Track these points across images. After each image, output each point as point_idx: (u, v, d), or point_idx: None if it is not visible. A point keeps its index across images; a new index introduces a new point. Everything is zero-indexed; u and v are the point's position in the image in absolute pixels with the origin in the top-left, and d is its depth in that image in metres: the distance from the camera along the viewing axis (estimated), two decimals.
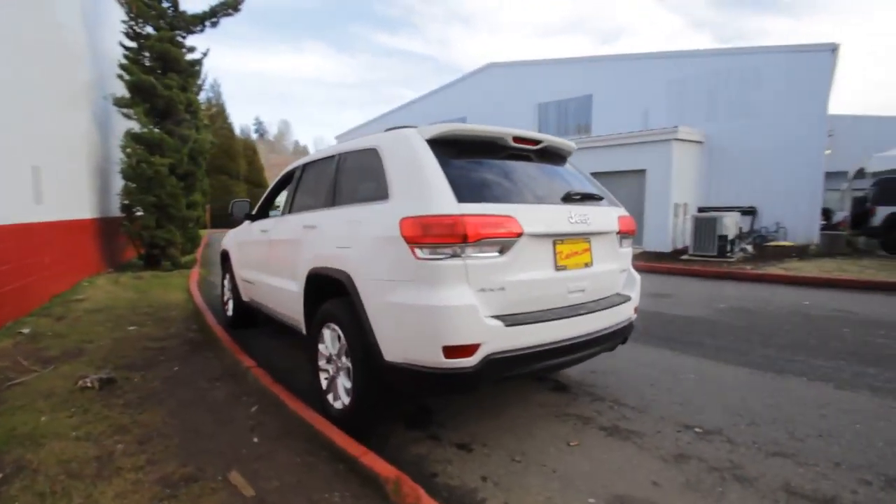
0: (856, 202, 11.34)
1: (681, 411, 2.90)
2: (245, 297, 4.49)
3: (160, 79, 7.78)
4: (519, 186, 2.40)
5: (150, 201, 7.73)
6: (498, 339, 2.06)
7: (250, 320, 4.85)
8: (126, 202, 7.90)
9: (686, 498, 2.01)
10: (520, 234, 2.15)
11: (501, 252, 2.12)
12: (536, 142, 2.65)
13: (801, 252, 10.78)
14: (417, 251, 2.05)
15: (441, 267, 2.02)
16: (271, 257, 3.54)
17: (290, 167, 3.89)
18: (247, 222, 4.44)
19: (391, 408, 2.60)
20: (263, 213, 4.31)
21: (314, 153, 3.49)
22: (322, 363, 2.75)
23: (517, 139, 2.56)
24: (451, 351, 1.99)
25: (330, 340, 2.65)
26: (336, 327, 2.53)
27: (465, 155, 2.37)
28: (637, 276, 2.92)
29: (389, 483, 1.87)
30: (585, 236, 2.49)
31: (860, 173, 14.76)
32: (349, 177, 2.80)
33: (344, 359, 2.53)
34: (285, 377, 3.25)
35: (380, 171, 2.46)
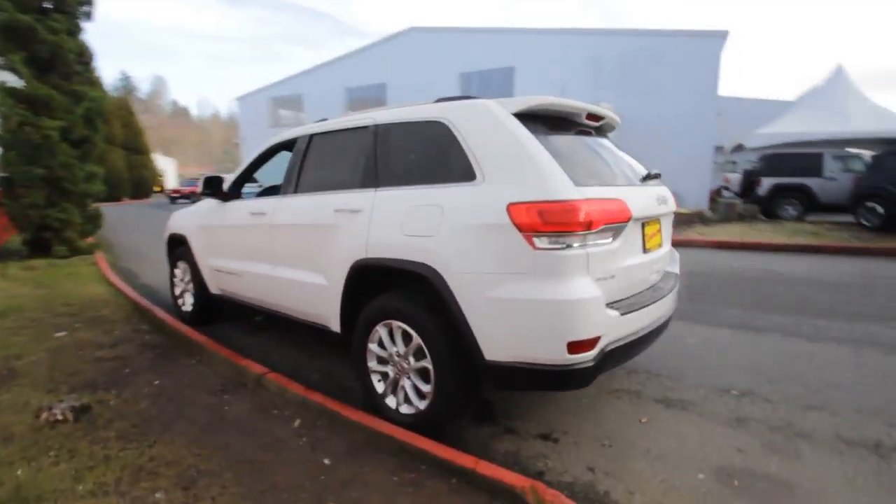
0: (745, 174, 13.06)
1: (708, 375, 3.11)
2: (215, 290, 3.85)
3: (42, 20, 6.14)
4: (602, 166, 2.28)
5: (37, 174, 6.23)
6: (614, 330, 1.97)
7: (214, 315, 4.21)
8: (5, 175, 6.28)
9: (774, 460, 2.16)
10: (629, 219, 2.06)
11: (614, 238, 2.01)
12: (599, 118, 2.54)
13: (702, 218, 12.23)
14: (536, 240, 1.85)
15: (564, 257, 1.85)
16: (276, 245, 3.03)
17: (283, 136, 3.32)
18: (214, 202, 3.76)
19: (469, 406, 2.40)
20: (237, 192, 3.69)
21: (325, 122, 3.00)
22: (373, 364, 2.45)
23: (590, 115, 2.43)
24: (575, 346, 1.86)
25: (388, 340, 2.36)
26: (403, 325, 2.24)
27: (543, 131, 2.17)
28: (677, 253, 3.01)
29: (528, 493, 1.73)
30: (659, 217, 2.47)
31: (738, 148, 17.02)
32: (398, 152, 2.44)
33: (413, 359, 2.27)
34: (298, 380, 2.86)
35: (455, 148, 2.17)
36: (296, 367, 3.30)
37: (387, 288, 2.44)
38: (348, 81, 23.43)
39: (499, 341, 1.96)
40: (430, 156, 2.31)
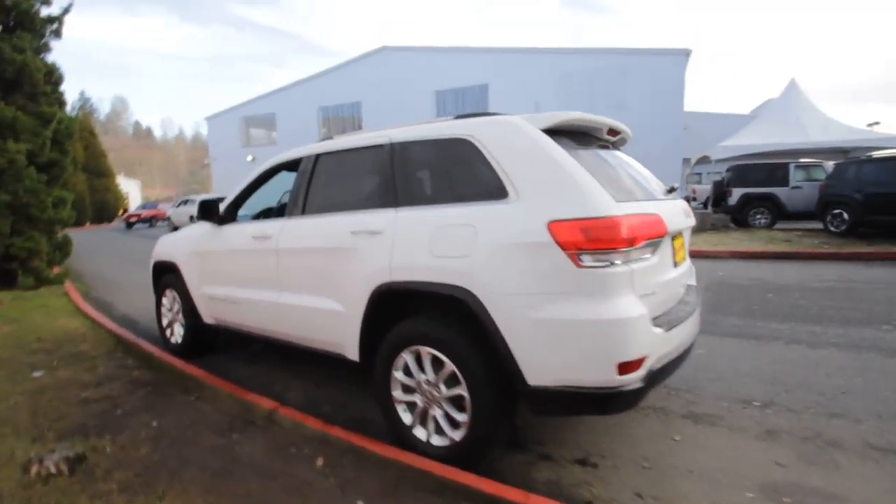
0: (715, 185, 13.57)
1: (725, 387, 3.11)
2: (209, 319, 3.63)
3: (6, 38, 5.81)
4: (629, 180, 2.26)
5: (2, 200, 5.82)
6: (658, 348, 1.92)
7: (207, 346, 3.97)
8: None
9: (814, 473, 2.14)
10: (666, 233, 2.03)
11: (653, 253, 1.98)
12: (617, 132, 2.54)
13: None
14: (579, 259, 1.80)
15: (609, 275, 1.80)
16: (282, 270, 2.87)
17: (284, 156, 3.19)
18: (207, 225, 3.57)
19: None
20: (233, 215, 3.51)
21: (331, 141, 2.89)
22: (398, 393, 2.33)
23: (610, 130, 2.43)
24: (624, 367, 1.80)
25: (415, 367, 2.24)
26: (433, 351, 2.14)
27: (570, 146, 2.14)
28: (693, 266, 3.02)
29: None
30: (683, 230, 2.47)
31: (703, 160, 17.73)
32: (419, 171, 2.36)
33: (444, 387, 2.16)
34: (308, 414, 2.69)
35: (482, 166, 2.11)
36: (303, 398, 3.12)
37: (409, 313, 2.33)
38: (322, 100, 23.32)
39: (543, 365, 1.88)
40: (455, 174, 2.24)
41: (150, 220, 25.42)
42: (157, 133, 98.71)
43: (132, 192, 41.08)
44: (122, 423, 2.75)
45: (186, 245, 3.74)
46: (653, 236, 1.93)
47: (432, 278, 2.10)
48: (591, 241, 1.79)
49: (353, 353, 2.54)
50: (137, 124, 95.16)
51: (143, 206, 28.32)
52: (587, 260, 1.80)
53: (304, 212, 2.86)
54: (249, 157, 25.52)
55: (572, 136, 2.25)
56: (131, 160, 66.33)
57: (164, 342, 4.13)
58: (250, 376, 3.53)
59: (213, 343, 4.02)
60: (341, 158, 2.79)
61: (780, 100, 17.84)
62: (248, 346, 4.19)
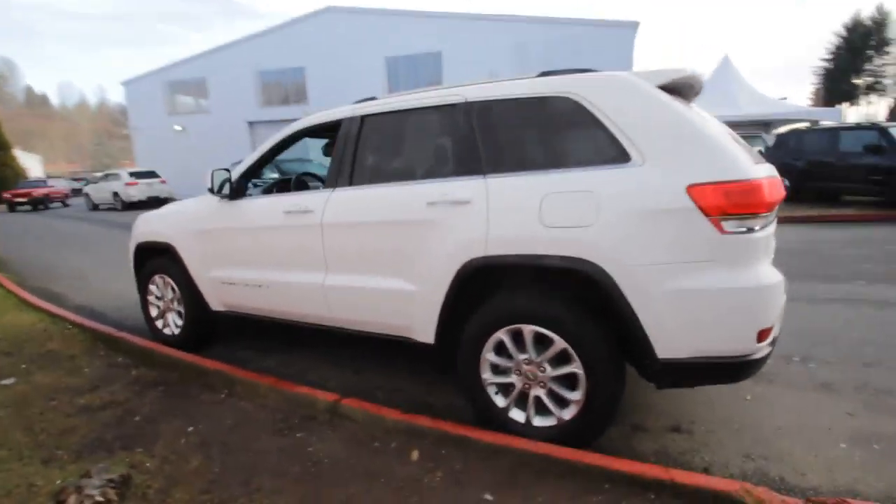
0: None
1: None
2: (218, 306, 3.21)
3: None
4: (737, 140, 2.17)
5: None
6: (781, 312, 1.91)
7: (209, 336, 3.55)
8: None
9: (883, 419, 2.27)
10: (785, 197, 1.99)
11: (776, 218, 1.93)
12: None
13: None
14: (723, 224, 1.70)
15: (751, 241, 1.73)
16: (330, 248, 2.54)
17: (313, 119, 2.79)
18: (212, 200, 3.10)
19: None
20: (245, 189, 3.07)
21: (379, 101, 2.55)
22: (489, 375, 2.16)
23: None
24: (763, 334, 1.76)
25: (512, 346, 2.08)
26: (539, 329, 1.98)
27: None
28: None
29: (745, 497, 1.60)
30: None
31: None
32: (508, 134, 2.13)
33: (549, 366, 2.02)
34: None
35: (593, 127, 1.93)
36: (347, 388, 2.86)
37: (498, 289, 2.15)
38: (261, 64, 21.48)
39: (677, 337, 1.79)
40: (556, 136, 2.04)
41: (43, 202, 20.55)
42: (55, 100, 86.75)
43: (34, 168, 36.11)
44: (150, 432, 2.36)
45: (186, 223, 3.23)
46: (780, 200, 1.87)
47: (544, 251, 1.92)
48: (736, 206, 1.69)
49: (425, 335, 2.32)
50: (30, 90, 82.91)
51: (30, 183, 21.96)
52: (730, 225, 1.71)
53: (352, 182, 2.53)
54: (178, 127, 23.12)
55: (673, 92, 2.12)
56: (26, 131, 57.91)
57: (153, 334, 3.62)
58: (275, 367, 3.19)
59: (214, 332, 3.60)
60: (397, 120, 2.48)
61: (716, 74, 18.96)
62: (256, 334, 3.79)
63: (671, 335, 1.79)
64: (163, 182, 18.86)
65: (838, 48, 40.51)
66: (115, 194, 18.04)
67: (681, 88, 2.14)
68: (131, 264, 3.74)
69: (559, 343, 1.96)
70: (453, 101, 2.27)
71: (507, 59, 18.40)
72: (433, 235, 2.20)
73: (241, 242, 2.95)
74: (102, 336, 3.64)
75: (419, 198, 2.25)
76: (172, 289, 3.44)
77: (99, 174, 22.20)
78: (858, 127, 9.72)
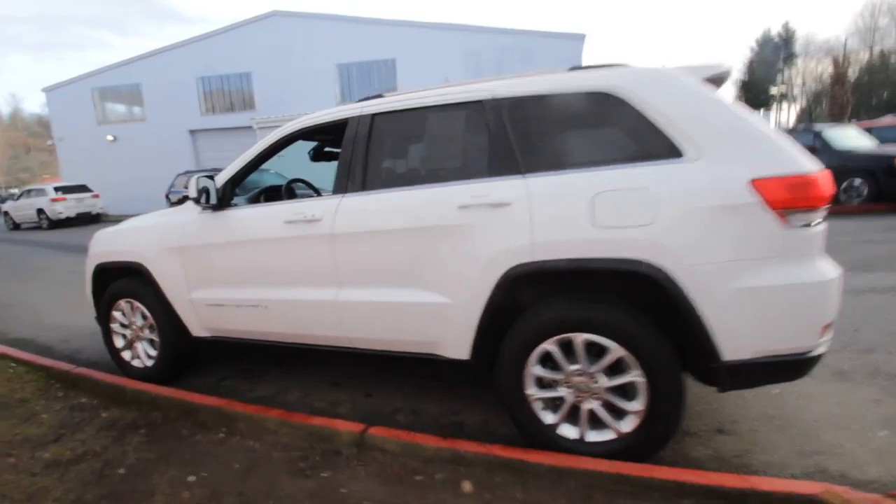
0: None
1: None
2: (202, 332, 2.84)
3: None
4: (778, 132, 2.15)
5: None
6: None
7: (185, 367, 3.16)
8: None
9: None
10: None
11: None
12: None
13: None
14: (788, 219, 1.65)
15: (812, 235, 1.69)
16: (343, 260, 2.29)
17: (312, 120, 2.53)
18: (191, 211, 2.75)
19: None
20: (228, 198, 2.75)
21: (390, 98, 2.33)
22: (534, 391, 2.01)
23: None
24: (825, 328, 1.73)
25: (561, 357, 1.94)
26: (594, 337, 1.85)
27: None
28: None
29: (835, 499, 1.54)
30: None
31: None
32: (544, 131, 1.99)
33: (604, 377, 1.90)
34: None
35: (637, 122, 1.84)
36: (362, 411, 2.60)
37: (540, 297, 2.01)
38: (202, 70, 20.30)
39: (743, 337, 1.72)
40: (599, 132, 1.94)
41: None
42: None
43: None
44: (142, 487, 1.99)
45: (160, 239, 2.84)
46: (834, 194, 1.86)
47: (598, 253, 1.80)
48: (798, 200, 1.65)
49: (458, 350, 2.13)
50: None
51: None
52: (794, 220, 1.66)
53: (364, 186, 2.30)
54: (110, 137, 21.33)
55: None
56: None
57: (120, 368, 3.18)
58: (273, 395, 2.87)
59: (193, 362, 3.21)
60: (414, 119, 2.28)
61: None
62: (234, 358, 3.42)
63: (736, 335, 1.72)
64: (95, 196, 17.31)
65: (752, 61, 44.55)
66: (40, 211, 16.30)
67: (715, 84, 2.11)
68: (88, 289, 3.26)
69: (617, 351, 1.84)
70: (479, 98, 2.11)
71: (459, 67, 18.51)
72: (467, 241, 2.02)
73: (231, 258, 2.62)
74: (58, 374, 3.14)
75: (448, 201, 2.06)
76: (143, 315, 3.03)
77: (16, 190, 20.06)
78: (793, 130, 10.53)
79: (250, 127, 17.27)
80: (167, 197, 12.62)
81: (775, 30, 44.25)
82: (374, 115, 2.35)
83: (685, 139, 1.78)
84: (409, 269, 2.17)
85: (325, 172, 3.06)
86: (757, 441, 2.13)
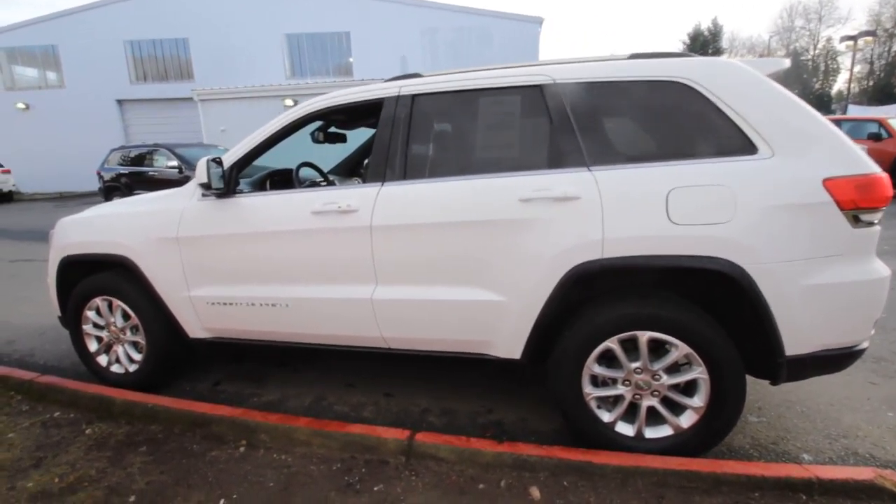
0: None
1: None
2: (201, 332, 2.55)
3: None
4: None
5: None
6: None
7: (175, 371, 2.84)
8: None
9: None
10: None
11: None
12: None
13: None
14: (857, 218, 1.70)
15: (874, 233, 1.75)
16: (384, 255, 2.10)
17: (337, 99, 2.28)
18: (191, 196, 2.43)
19: None
20: (235, 184, 2.45)
21: (432, 79, 2.14)
22: (591, 389, 1.97)
23: None
24: (875, 323, 1.82)
25: (622, 355, 1.91)
26: (661, 335, 1.83)
27: None
28: None
29: (885, 482, 1.64)
30: None
31: None
32: (611, 121, 1.92)
33: (666, 375, 1.89)
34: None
35: (712, 115, 1.80)
36: (389, 414, 2.46)
37: (599, 294, 1.96)
38: (130, 33, 18.31)
39: (805, 333, 1.76)
40: (669, 124, 1.88)
41: None
42: None
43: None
44: None
45: (151, 227, 2.48)
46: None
47: (675, 250, 1.76)
48: (865, 199, 1.70)
49: (510, 350, 2.05)
50: None
51: None
52: (862, 219, 1.71)
53: (406, 175, 2.12)
54: (20, 105, 18.76)
55: None
56: None
57: (95, 374, 2.80)
58: (284, 400, 2.64)
59: (184, 366, 2.89)
60: (462, 102, 2.12)
61: None
62: (229, 360, 3.13)
63: (801, 331, 1.76)
64: (5, 172, 15.28)
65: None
66: None
67: None
68: (51, 286, 2.81)
69: (682, 348, 1.83)
70: (538, 82, 1.98)
71: (416, 44, 18.03)
72: (528, 237, 1.91)
73: (244, 251, 2.34)
74: (17, 384, 2.69)
75: (508, 194, 1.94)
76: (125, 314, 2.66)
77: None
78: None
79: (190, 98, 15.87)
80: (99, 174, 11.34)
81: (705, 25, 46.77)
82: (414, 96, 2.15)
83: (760, 135, 1.76)
84: (459, 265, 2.03)
85: (295, 154, 2.82)
86: (787, 427, 2.23)
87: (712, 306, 1.88)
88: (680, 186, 1.77)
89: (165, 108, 18.71)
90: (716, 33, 46.67)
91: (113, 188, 11.04)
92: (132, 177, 10.79)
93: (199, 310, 2.49)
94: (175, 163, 10.13)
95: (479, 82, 2.07)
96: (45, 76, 19.68)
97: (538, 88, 1.98)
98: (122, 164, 11.13)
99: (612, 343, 1.90)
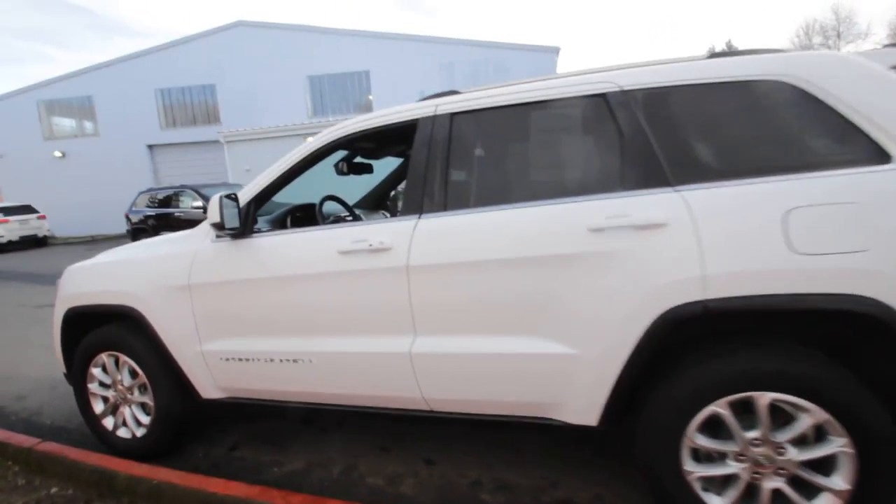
0: None
1: None
2: (215, 393, 2.24)
3: None
4: None
5: None
6: None
7: (185, 434, 2.52)
8: None
9: None
10: None
11: None
12: None
13: None
14: None
15: None
16: (423, 300, 1.76)
17: (362, 123, 2.02)
18: (204, 238, 2.17)
19: None
20: (253, 222, 2.17)
21: (473, 94, 1.86)
22: (693, 466, 1.55)
23: None
24: None
25: (734, 423, 1.49)
26: (788, 397, 1.41)
27: None
28: None
29: None
30: None
31: None
32: (702, 130, 1.57)
33: (792, 448, 1.46)
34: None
35: (827, 117, 1.44)
36: (435, 488, 2.06)
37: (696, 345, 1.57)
38: (161, 81, 19.16)
39: None
40: (773, 131, 1.52)
41: None
42: None
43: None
44: None
45: (160, 274, 2.22)
46: None
47: (802, 287, 1.37)
48: None
49: (583, 414, 1.66)
50: None
51: None
52: None
53: (447, 205, 1.80)
54: (58, 153, 19.66)
55: None
56: None
57: (100, 440, 2.50)
58: (305, 469, 2.27)
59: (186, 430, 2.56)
60: (509, 119, 1.81)
61: None
62: (232, 420, 2.80)
63: None
64: (41, 218, 15.78)
65: None
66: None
67: None
68: (56, 339, 2.57)
69: (817, 413, 1.41)
70: (602, 90, 1.67)
71: (434, 79, 18.26)
72: (602, 275, 1.56)
73: (261, 299, 2.04)
74: (16, 453, 2.41)
75: (573, 224, 1.60)
76: (132, 372, 2.38)
77: None
78: None
79: (217, 141, 16.32)
80: (127, 217, 11.52)
81: (719, 48, 46.72)
82: (453, 115, 1.86)
83: (892, 139, 1.39)
84: (516, 311, 1.68)
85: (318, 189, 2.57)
86: None
87: (842, 356, 1.47)
88: (800, 206, 1.40)
89: (193, 151, 19.29)
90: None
91: (140, 230, 11.16)
92: (159, 219, 10.90)
93: (213, 366, 2.19)
94: (200, 203, 10.19)
95: (527, 95, 1.77)
96: (81, 125, 20.66)
97: (601, 98, 1.67)
98: (149, 206, 11.29)
99: (719, 407, 1.49)
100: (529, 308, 1.66)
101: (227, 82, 18.88)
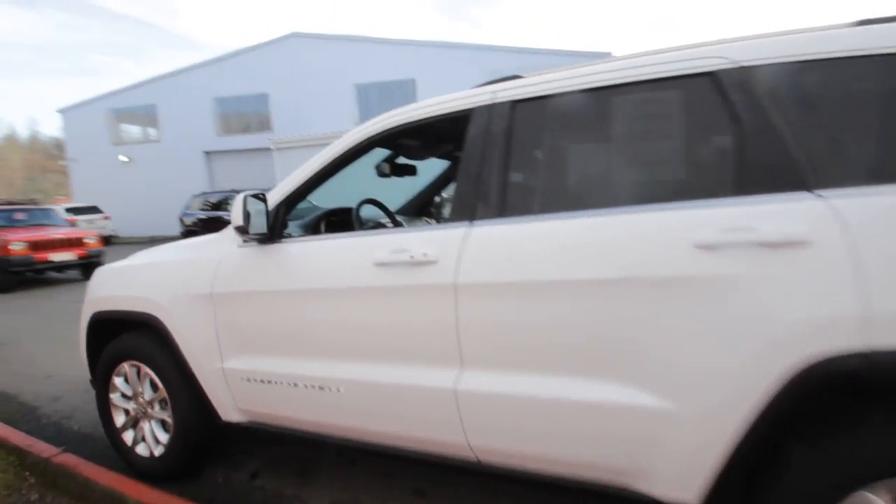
0: None
1: None
2: (236, 415, 2.01)
3: None
4: None
5: None
6: None
7: (204, 456, 2.30)
8: None
9: None
10: None
11: None
12: None
13: None
14: None
15: None
16: (473, 326, 1.45)
17: (400, 117, 1.75)
18: (231, 242, 1.96)
19: None
20: (282, 226, 1.94)
21: (539, 78, 1.54)
22: None
23: None
24: None
25: None
26: None
27: None
28: None
29: None
30: None
31: None
32: (848, 116, 1.19)
33: None
34: None
35: None
36: None
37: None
38: (218, 91, 20.07)
39: None
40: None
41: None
42: None
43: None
44: None
45: (183, 281, 2.03)
46: None
47: None
48: None
49: (676, 486, 1.27)
50: None
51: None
52: None
53: (505, 210, 1.48)
54: (124, 158, 21.01)
55: None
56: None
57: (120, 455, 2.33)
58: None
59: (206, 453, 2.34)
60: (584, 107, 1.47)
61: None
62: (254, 445, 2.56)
63: None
64: (106, 218, 16.78)
65: None
66: None
67: None
68: (81, 345, 2.45)
69: None
70: (710, 67, 1.30)
71: None
72: (714, 307, 1.18)
73: (287, 313, 1.79)
74: (34, 464, 2.28)
75: (674, 236, 1.23)
76: (153, 385, 2.20)
77: None
78: None
79: (268, 148, 16.81)
80: (181, 220, 11.98)
81: None
82: (515, 103, 1.54)
83: None
84: (593, 347, 1.32)
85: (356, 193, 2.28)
86: None
87: None
88: None
89: (247, 158, 20.03)
90: None
91: (192, 232, 11.55)
92: (209, 221, 11.24)
93: (234, 386, 1.96)
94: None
95: (608, 76, 1.42)
96: (145, 132, 21.99)
97: (710, 77, 1.30)
98: (201, 209, 11.68)
99: (882, 493, 1.07)
100: (607, 343, 1.30)
101: (280, 91, 19.52)
